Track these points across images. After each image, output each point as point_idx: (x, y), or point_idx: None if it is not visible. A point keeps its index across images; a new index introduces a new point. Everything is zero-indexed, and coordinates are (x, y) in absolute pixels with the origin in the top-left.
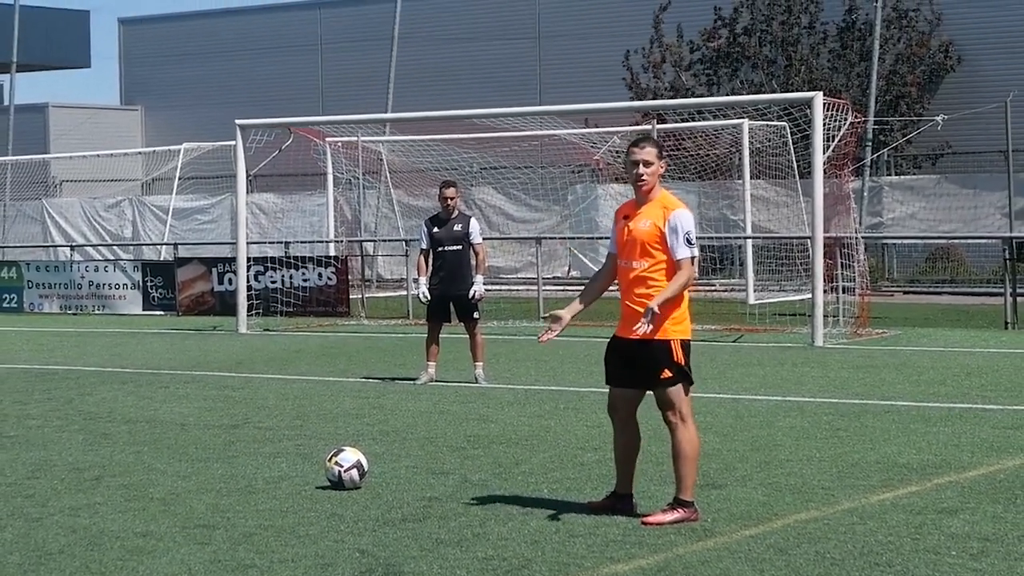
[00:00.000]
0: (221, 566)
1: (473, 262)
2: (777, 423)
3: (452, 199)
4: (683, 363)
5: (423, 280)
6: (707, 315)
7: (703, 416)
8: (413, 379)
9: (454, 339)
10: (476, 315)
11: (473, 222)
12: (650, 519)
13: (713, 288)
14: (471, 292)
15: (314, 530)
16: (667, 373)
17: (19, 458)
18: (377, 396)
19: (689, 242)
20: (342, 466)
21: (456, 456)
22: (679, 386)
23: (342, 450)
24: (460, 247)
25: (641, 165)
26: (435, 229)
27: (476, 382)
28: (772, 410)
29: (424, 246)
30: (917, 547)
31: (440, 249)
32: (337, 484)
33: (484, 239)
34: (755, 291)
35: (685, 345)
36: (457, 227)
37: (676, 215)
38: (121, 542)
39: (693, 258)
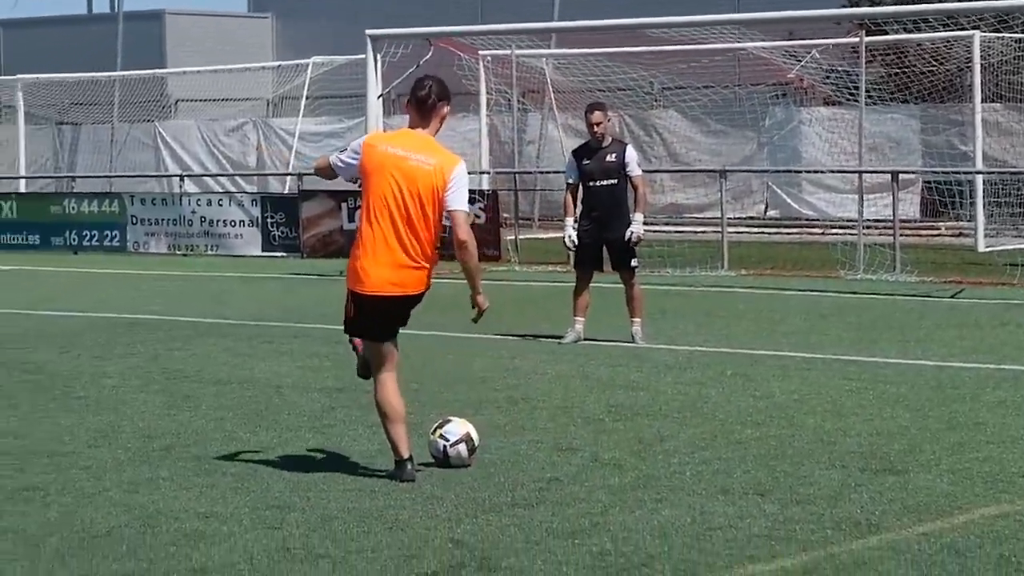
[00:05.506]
0: (288, 555)
1: (631, 198)
2: (983, 396)
3: (599, 124)
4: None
5: (570, 221)
6: (925, 263)
7: (896, 386)
8: (559, 337)
9: (611, 289)
10: (634, 263)
11: (629, 150)
12: None
13: (938, 232)
14: (627, 234)
15: (405, 515)
16: None
17: (84, 423)
18: (512, 356)
19: None
20: (448, 439)
21: (590, 430)
22: None
23: (449, 421)
24: (615, 181)
25: None
26: (584, 161)
27: (632, 341)
28: (980, 380)
29: (571, 181)
30: None
31: (591, 184)
32: (442, 460)
33: (664, 171)
34: (985, 236)
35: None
36: (610, 157)
37: None
38: (179, 524)
39: None
